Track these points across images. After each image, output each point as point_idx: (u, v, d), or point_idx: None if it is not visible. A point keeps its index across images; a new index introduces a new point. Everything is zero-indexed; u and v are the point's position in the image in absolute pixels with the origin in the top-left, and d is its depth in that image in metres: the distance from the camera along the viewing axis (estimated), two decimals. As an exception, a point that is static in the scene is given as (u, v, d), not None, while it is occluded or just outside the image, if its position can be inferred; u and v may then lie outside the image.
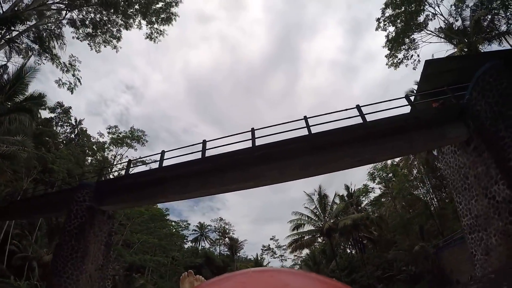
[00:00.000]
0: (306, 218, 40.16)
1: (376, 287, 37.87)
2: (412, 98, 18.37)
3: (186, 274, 2.12)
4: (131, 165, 20.77)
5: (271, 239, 72.89)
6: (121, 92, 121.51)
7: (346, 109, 16.94)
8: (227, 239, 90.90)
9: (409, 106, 17.27)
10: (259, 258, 69.18)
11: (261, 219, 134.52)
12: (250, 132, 17.38)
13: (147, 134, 49.11)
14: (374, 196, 47.25)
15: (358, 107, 16.38)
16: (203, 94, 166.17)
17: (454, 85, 16.66)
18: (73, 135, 54.95)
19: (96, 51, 31.88)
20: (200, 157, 17.73)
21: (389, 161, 44.51)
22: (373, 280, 38.26)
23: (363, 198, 47.99)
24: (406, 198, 41.49)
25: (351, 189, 47.46)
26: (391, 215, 45.41)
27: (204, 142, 18.06)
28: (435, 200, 41.47)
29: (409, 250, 34.25)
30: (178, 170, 17.82)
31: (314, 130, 16.16)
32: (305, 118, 16.64)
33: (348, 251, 49.32)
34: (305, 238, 39.60)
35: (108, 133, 50.16)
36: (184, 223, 71.70)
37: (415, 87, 26.65)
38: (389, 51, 33.18)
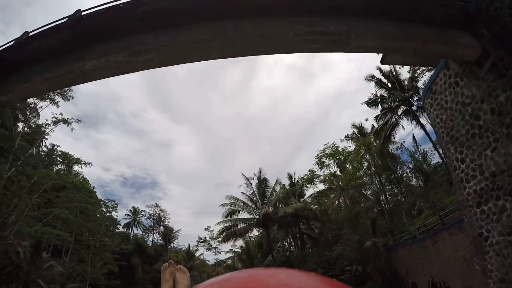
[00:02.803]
0: (242, 204, 33.44)
1: (316, 287, 31.87)
2: None
3: (167, 264, 2.06)
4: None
5: (205, 229, 65.43)
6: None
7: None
8: (161, 227, 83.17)
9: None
10: (191, 249, 61.33)
11: (202, 212, 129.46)
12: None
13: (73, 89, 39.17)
14: (319, 190, 41.07)
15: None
16: (157, 79, 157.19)
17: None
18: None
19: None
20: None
21: (340, 146, 38.84)
22: (313, 278, 32.19)
23: (308, 188, 41.65)
24: (355, 189, 35.90)
25: (294, 178, 41.30)
26: (336, 210, 39.84)
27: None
28: (386, 196, 36.20)
29: (357, 247, 28.49)
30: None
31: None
32: None
33: (286, 245, 43.05)
34: (238, 226, 32.75)
35: None
36: (112, 203, 62.20)
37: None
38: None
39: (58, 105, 35.64)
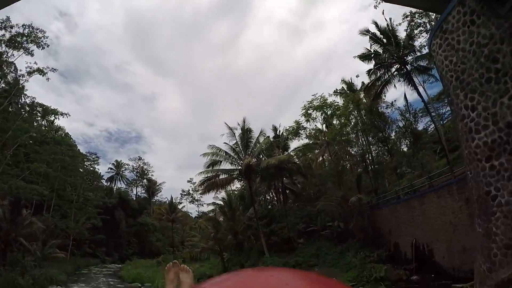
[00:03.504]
0: (224, 154, 31.98)
1: (297, 240, 31.33)
2: None
3: (171, 264, 2.12)
4: None
5: (188, 181, 64.63)
6: (53, 19, 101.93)
7: None
8: (145, 180, 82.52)
9: None
10: (174, 202, 60.78)
11: (186, 166, 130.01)
12: None
13: (48, 36, 36.00)
14: (303, 144, 39.62)
15: None
16: (142, 31, 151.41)
17: None
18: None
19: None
20: None
21: (328, 99, 37.12)
22: (294, 233, 31.79)
23: (292, 141, 40.14)
24: (341, 145, 34.69)
25: (279, 131, 39.72)
26: (320, 166, 38.87)
27: None
28: (372, 155, 35.04)
29: (341, 203, 27.65)
30: None
31: None
32: None
33: (269, 199, 42.25)
34: (220, 177, 31.51)
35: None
36: (93, 156, 60.55)
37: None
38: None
39: (33, 54, 33.51)
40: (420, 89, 30.07)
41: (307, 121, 37.62)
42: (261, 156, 33.07)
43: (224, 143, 32.50)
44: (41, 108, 38.33)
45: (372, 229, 25.59)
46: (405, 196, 23.51)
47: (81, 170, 53.01)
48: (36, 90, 63.21)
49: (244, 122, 32.55)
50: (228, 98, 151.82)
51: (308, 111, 36.81)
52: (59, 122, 46.71)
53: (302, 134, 38.84)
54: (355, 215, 25.65)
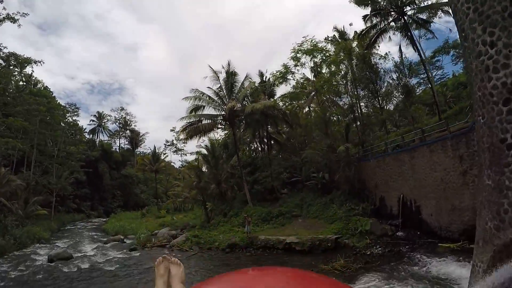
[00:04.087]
0: (207, 99, 30.17)
1: (280, 191, 30.59)
2: None
3: (161, 259, 1.98)
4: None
5: (171, 130, 62.55)
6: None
7: None
8: (128, 131, 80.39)
9: None
10: (157, 151, 59.15)
11: (170, 117, 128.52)
12: None
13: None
14: (290, 92, 37.46)
15: None
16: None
17: None
18: None
19: None
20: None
21: (319, 45, 34.77)
22: (278, 182, 30.88)
23: (279, 87, 37.70)
24: (329, 95, 32.97)
25: (266, 76, 37.50)
26: (306, 116, 37.36)
27: None
28: (360, 107, 33.25)
29: (327, 153, 26.59)
30: None
31: None
32: None
33: (253, 148, 40.90)
34: (203, 122, 29.88)
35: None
36: (73, 107, 57.77)
37: None
38: None
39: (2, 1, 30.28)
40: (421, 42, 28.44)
41: (296, 66, 35.14)
42: (245, 102, 31.35)
43: (208, 87, 30.75)
44: (13, 58, 35.90)
45: (358, 182, 24.64)
46: (394, 150, 22.44)
47: (63, 125, 50.91)
48: (13, 46, 59.13)
49: (229, 65, 30.65)
50: (213, 49, 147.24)
51: (298, 54, 34.32)
52: (38, 75, 44.04)
53: (290, 79, 36.45)
54: (341, 166, 24.62)
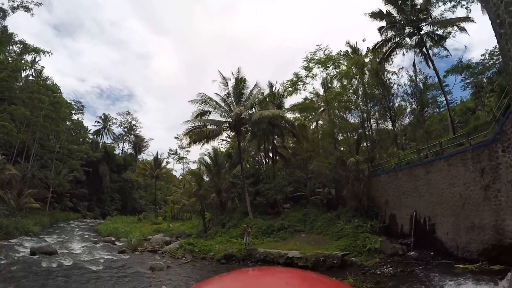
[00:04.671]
0: (214, 104, 28.75)
1: (282, 205, 29.01)
2: None
3: None
4: None
5: (175, 137, 60.48)
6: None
7: None
8: (132, 136, 79.16)
9: None
10: (159, 157, 57.18)
11: (176, 128, 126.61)
12: None
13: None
14: (299, 103, 35.80)
15: None
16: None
17: None
18: None
19: None
20: None
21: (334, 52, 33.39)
22: (281, 196, 29.30)
23: (288, 98, 35.94)
24: (340, 110, 31.29)
25: (275, 87, 35.87)
26: (314, 132, 35.92)
27: None
28: (370, 122, 31.35)
29: (335, 166, 25.05)
30: None
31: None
32: None
33: (258, 159, 38.99)
34: (207, 127, 28.41)
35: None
36: (78, 105, 56.82)
37: None
38: None
39: None
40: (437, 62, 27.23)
41: (307, 76, 33.56)
42: (253, 111, 29.87)
43: (215, 93, 29.35)
44: (21, 45, 35.58)
45: (367, 198, 22.98)
46: (404, 166, 20.91)
47: (68, 123, 50.13)
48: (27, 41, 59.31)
49: (238, 72, 29.47)
50: (223, 63, 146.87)
51: (310, 64, 32.85)
52: (48, 73, 43.93)
53: (300, 90, 34.82)
54: (350, 180, 23.03)
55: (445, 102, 28.37)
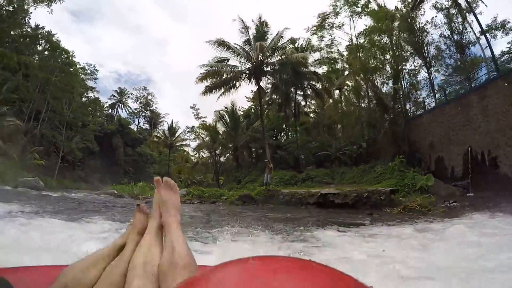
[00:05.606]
0: (234, 48, 25.04)
1: (305, 166, 25.37)
2: None
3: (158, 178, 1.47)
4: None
5: (191, 107, 56.61)
6: None
7: None
8: (148, 112, 76.00)
9: None
10: (174, 125, 53.11)
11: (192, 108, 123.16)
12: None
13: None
14: (325, 57, 31.77)
15: None
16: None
17: None
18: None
19: None
20: None
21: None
22: (304, 152, 25.70)
23: (313, 47, 31.37)
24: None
25: (298, 43, 31.67)
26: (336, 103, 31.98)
27: None
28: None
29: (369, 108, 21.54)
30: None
31: None
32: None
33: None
34: (225, 71, 24.81)
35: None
36: (92, 67, 53.48)
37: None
38: None
39: None
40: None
41: (335, 15, 29.33)
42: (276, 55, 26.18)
43: (235, 43, 25.74)
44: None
45: (407, 144, 19.43)
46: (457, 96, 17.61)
47: (82, 89, 47.66)
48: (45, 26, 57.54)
49: (260, 18, 25.94)
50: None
51: (338, 3, 28.56)
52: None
53: (327, 27, 30.49)
54: (388, 122, 19.45)
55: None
